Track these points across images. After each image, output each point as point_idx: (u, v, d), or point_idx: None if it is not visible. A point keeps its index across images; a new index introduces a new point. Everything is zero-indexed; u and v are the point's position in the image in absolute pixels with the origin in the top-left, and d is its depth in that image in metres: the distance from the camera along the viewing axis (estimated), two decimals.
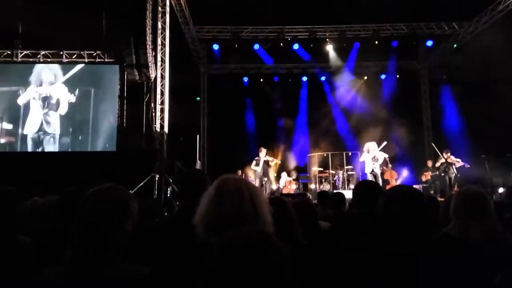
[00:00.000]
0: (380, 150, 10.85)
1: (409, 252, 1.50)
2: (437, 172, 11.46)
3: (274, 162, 12.29)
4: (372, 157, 10.64)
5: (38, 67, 12.20)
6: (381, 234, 1.60)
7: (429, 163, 12.07)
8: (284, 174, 13.47)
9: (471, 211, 2.17)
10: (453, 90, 14.94)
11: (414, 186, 8.19)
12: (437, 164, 11.49)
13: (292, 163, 14.81)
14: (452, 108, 14.25)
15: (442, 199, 3.82)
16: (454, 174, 10.82)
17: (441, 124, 14.66)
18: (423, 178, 12.38)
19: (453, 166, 10.87)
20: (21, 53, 12.67)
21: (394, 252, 1.53)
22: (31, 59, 12.69)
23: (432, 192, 11.07)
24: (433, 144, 11.76)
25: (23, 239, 2.06)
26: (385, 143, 11.24)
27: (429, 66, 15.83)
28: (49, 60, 12.71)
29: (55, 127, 11.85)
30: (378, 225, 1.61)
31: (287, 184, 13.20)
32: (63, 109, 11.92)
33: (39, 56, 12.68)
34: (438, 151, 11.34)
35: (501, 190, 9.71)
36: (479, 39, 12.97)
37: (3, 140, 11.77)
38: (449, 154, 11.01)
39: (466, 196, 2.26)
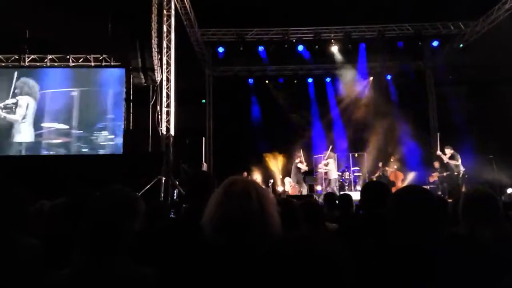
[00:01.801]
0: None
1: (418, 252, 1.49)
2: (444, 174, 11.38)
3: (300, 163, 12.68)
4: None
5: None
6: (391, 234, 1.59)
7: (436, 164, 11.99)
8: (287, 179, 13.47)
9: (480, 211, 2.16)
10: (459, 90, 14.84)
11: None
12: (437, 164, 11.68)
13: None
14: (459, 108, 14.15)
15: (450, 200, 3.79)
16: (461, 173, 10.69)
17: (448, 124, 14.56)
18: (431, 179, 12.30)
19: (456, 165, 10.73)
20: (28, 57, 12.79)
21: (403, 251, 1.52)
22: (38, 64, 12.80)
23: (439, 193, 10.98)
24: (438, 134, 11.62)
25: (31, 242, 2.07)
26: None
27: (435, 67, 15.73)
28: (55, 64, 12.81)
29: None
30: (388, 225, 1.60)
31: (292, 186, 13.16)
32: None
33: (46, 60, 12.79)
34: (438, 144, 11.23)
35: (509, 190, 9.63)
36: (486, 38, 12.87)
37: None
38: (450, 151, 10.94)
39: (475, 197, 2.24)
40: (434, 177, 12.05)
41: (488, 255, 1.80)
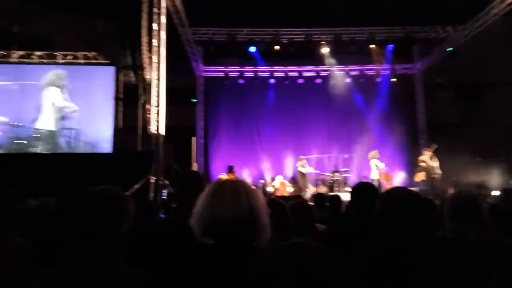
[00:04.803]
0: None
1: (406, 253, 1.51)
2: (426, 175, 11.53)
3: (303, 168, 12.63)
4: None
5: None
6: (379, 235, 1.61)
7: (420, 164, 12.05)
8: (279, 177, 13.47)
9: (465, 213, 2.20)
10: (447, 93, 15.05)
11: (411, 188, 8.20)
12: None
13: (289, 165, 14.81)
14: (447, 110, 14.36)
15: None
16: (439, 175, 10.87)
17: (436, 126, 14.75)
18: (416, 179, 12.42)
19: (432, 166, 10.89)
20: (15, 53, 12.60)
21: (391, 252, 1.53)
22: (26, 60, 12.62)
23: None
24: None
25: (19, 241, 2.04)
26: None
27: (424, 69, 15.93)
28: (44, 61, 12.64)
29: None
30: (376, 226, 1.62)
31: (281, 186, 13.17)
32: None
33: (33, 56, 12.62)
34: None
35: (495, 192, 9.77)
36: (474, 42, 13.06)
37: None
38: (430, 152, 11.08)
39: (459, 199, 2.28)
40: (420, 176, 12.14)
41: (473, 257, 1.83)
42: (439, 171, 10.82)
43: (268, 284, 0.89)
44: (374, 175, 11.44)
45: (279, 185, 13.17)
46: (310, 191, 12.01)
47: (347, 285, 0.91)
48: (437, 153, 11.18)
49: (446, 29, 13.84)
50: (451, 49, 14.10)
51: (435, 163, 10.82)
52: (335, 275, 0.90)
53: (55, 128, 11.79)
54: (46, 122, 11.77)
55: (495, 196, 9.01)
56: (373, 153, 11.79)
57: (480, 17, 12.51)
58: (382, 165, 11.68)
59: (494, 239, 2.15)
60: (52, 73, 11.96)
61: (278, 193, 12.57)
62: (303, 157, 12.73)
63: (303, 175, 12.39)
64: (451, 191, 10.28)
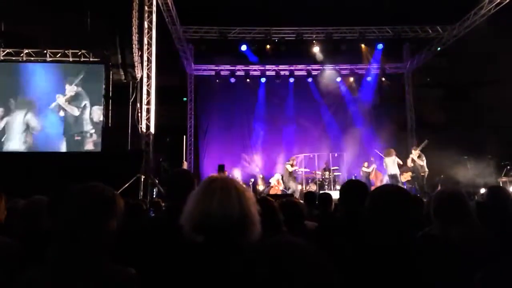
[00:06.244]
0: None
1: (393, 250, 1.53)
2: (413, 173, 11.65)
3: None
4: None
5: None
6: (366, 232, 1.62)
7: (409, 163, 12.15)
8: (277, 175, 13.48)
9: (450, 211, 2.23)
10: (436, 92, 15.20)
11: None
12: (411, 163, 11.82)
13: (279, 164, 14.84)
14: (435, 109, 14.49)
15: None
16: (426, 173, 11.00)
17: (424, 125, 14.89)
18: (403, 179, 12.52)
19: (421, 165, 11.03)
20: (3, 51, 12.43)
21: (378, 250, 1.55)
22: (13, 58, 12.46)
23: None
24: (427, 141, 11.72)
25: (6, 241, 2.02)
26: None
27: (413, 69, 16.07)
28: (32, 59, 12.48)
29: None
30: (364, 223, 1.63)
31: (276, 184, 13.18)
32: None
33: (22, 54, 12.46)
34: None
35: (482, 190, 9.90)
36: (462, 42, 13.21)
37: None
38: (417, 151, 11.20)
39: (444, 197, 2.32)
40: (407, 176, 12.23)
41: (459, 254, 1.86)
42: (426, 169, 10.95)
43: (251, 281, 0.90)
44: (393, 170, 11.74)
45: (275, 182, 13.15)
46: (297, 189, 12.07)
47: (328, 281, 0.93)
48: (425, 152, 11.30)
49: (435, 28, 13.97)
50: (439, 48, 14.25)
51: (423, 162, 10.95)
52: (317, 272, 0.92)
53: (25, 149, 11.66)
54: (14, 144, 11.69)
55: (482, 194, 9.13)
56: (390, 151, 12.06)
57: (469, 17, 12.65)
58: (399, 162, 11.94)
59: (479, 236, 2.19)
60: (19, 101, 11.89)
61: (272, 191, 12.57)
62: (294, 157, 12.78)
63: (289, 173, 12.46)
64: (438, 189, 10.39)
